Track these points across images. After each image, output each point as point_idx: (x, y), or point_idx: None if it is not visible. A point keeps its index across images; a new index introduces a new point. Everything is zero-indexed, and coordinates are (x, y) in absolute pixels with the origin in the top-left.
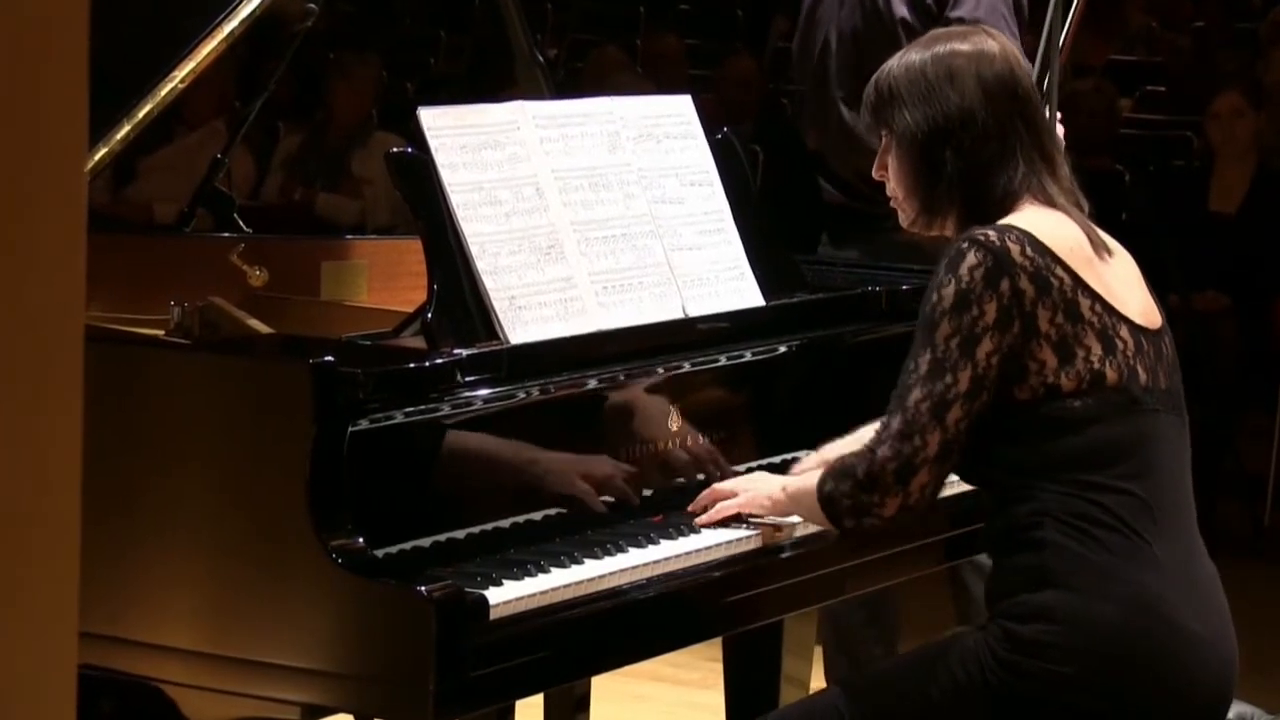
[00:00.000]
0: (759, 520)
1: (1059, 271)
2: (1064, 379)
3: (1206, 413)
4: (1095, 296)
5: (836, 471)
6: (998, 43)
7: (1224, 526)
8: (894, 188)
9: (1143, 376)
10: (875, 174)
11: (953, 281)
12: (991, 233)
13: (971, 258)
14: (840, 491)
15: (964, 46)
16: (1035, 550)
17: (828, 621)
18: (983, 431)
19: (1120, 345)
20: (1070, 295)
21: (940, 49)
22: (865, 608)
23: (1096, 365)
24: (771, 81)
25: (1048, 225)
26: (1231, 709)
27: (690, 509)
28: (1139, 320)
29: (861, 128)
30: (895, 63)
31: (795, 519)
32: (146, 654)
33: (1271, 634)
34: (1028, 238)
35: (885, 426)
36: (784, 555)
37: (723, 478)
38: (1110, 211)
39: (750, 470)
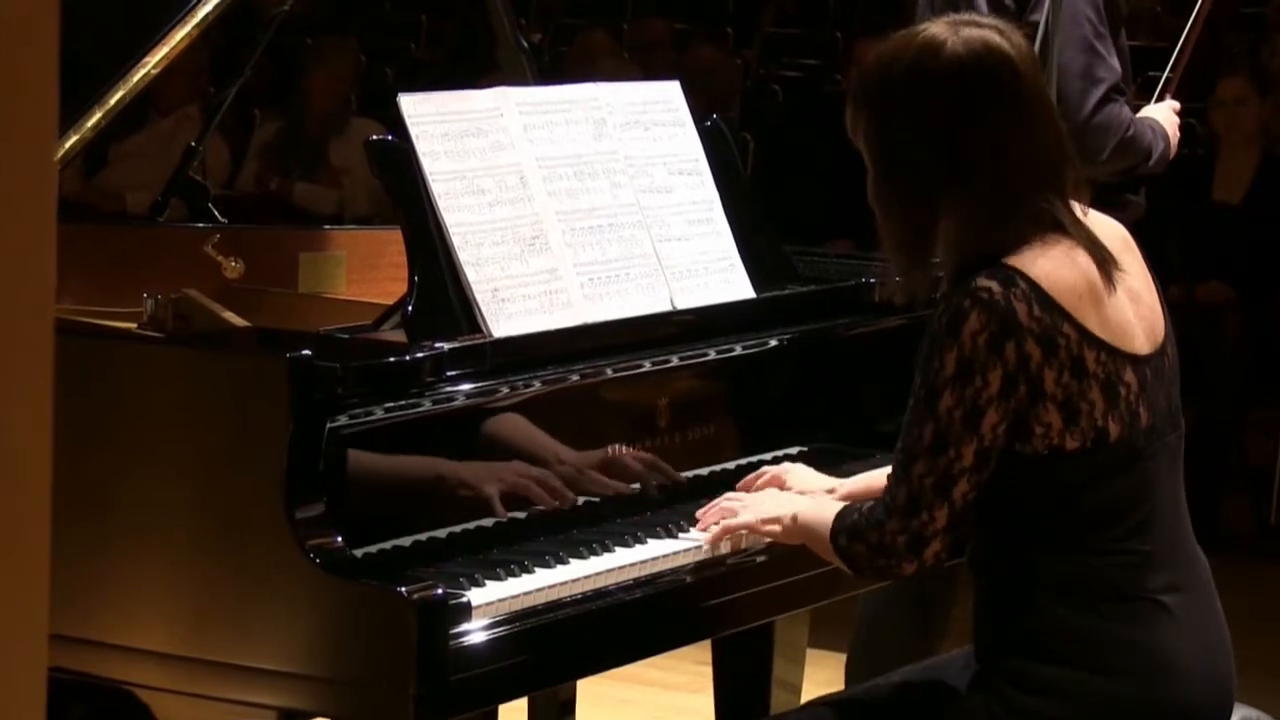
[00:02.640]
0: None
1: (1066, 329)
2: (1069, 440)
3: (1210, 407)
4: (1101, 345)
5: (850, 529)
6: (970, 47)
7: (1228, 524)
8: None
9: (1144, 418)
10: None
11: (955, 348)
12: (996, 286)
13: (974, 321)
14: (857, 552)
15: (939, 65)
16: (1031, 616)
17: (862, 621)
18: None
19: (1123, 393)
20: (1076, 352)
21: (912, 81)
22: (899, 623)
23: (1100, 422)
24: (763, 67)
25: (1052, 265)
26: (1235, 713)
27: (699, 527)
28: (1143, 348)
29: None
30: (868, 107)
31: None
32: (119, 657)
33: (1275, 634)
34: (1034, 291)
35: (891, 495)
36: (774, 556)
37: (712, 476)
38: None
39: (741, 469)
